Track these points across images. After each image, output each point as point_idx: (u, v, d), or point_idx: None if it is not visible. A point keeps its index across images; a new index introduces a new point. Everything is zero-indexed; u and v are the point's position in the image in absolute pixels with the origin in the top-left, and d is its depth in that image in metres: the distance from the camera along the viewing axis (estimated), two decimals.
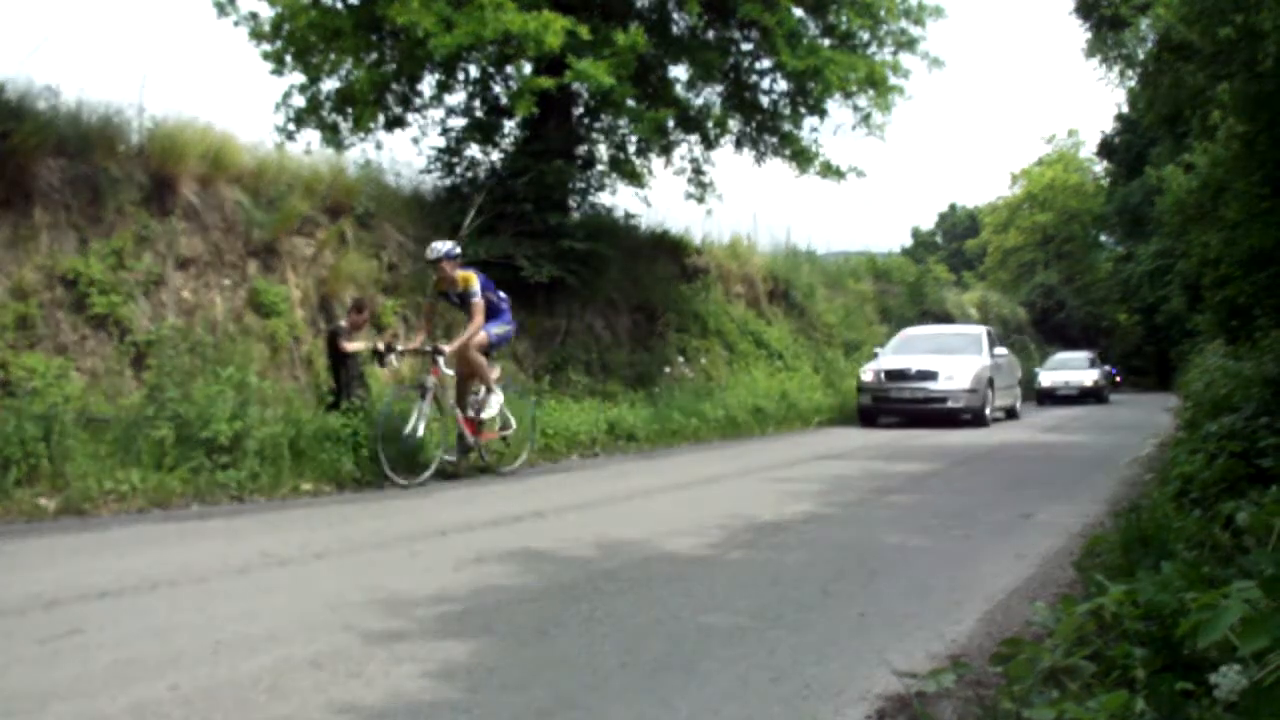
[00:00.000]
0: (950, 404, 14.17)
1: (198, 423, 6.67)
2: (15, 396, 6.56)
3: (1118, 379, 37.85)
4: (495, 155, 12.79)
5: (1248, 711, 1.72)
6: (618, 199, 28.85)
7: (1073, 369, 25.33)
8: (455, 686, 2.71)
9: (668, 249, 15.63)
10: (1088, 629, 2.44)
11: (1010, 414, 16.39)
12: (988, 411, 14.43)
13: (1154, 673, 2.18)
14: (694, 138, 14.31)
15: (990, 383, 14.72)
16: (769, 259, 19.11)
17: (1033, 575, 4.27)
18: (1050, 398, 24.31)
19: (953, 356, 14.82)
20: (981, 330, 16.75)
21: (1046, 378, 25.05)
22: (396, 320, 10.61)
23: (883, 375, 14.51)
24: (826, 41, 13.38)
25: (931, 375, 14.26)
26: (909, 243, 66.06)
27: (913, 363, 14.58)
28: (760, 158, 14.64)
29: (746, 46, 13.78)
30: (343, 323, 8.55)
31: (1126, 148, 37.62)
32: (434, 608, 3.58)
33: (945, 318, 27.47)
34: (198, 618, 3.42)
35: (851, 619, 3.50)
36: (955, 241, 63.79)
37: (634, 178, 13.68)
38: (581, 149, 13.52)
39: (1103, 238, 44.76)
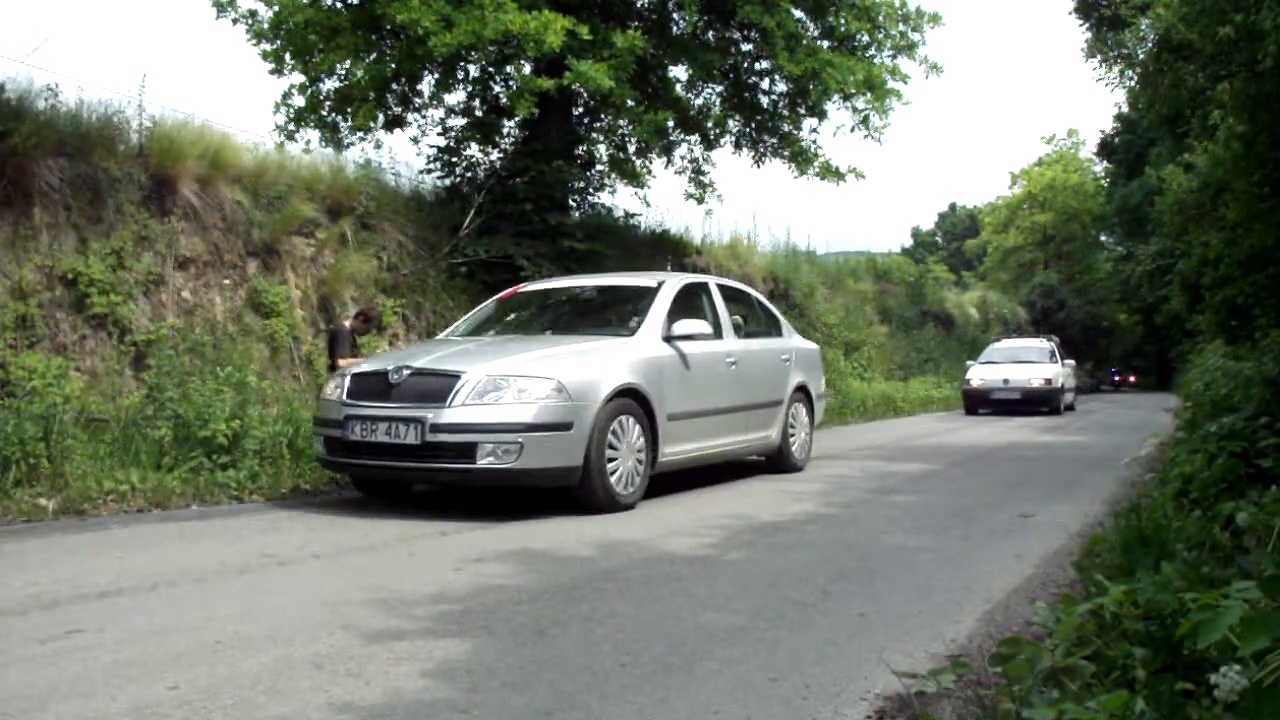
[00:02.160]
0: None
1: (197, 423, 6.68)
2: (15, 396, 6.56)
3: (1117, 379, 37.83)
4: (495, 155, 12.81)
5: (1248, 711, 1.72)
6: (618, 199, 28.94)
7: (1020, 362, 18.43)
8: (455, 686, 2.71)
9: (668, 249, 15.63)
10: (1088, 629, 2.44)
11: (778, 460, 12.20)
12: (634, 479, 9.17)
13: (1154, 673, 2.18)
14: (694, 138, 14.32)
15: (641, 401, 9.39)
16: (769, 259, 19.12)
17: (1033, 575, 4.27)
18: (983, 402, 17.70)
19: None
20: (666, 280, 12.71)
21: (979, 375, 18.15)
22: (396, 320, 10.61)
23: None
24: (825, 44, 13.38)
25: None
26: (909, 243, 66.19)
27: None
28: (760, 158, 14.65)
29: (746, 48, 13.80)
30: (346, 323, 8.53)
31: (1126, 148, 37.66)
32: (433, 608, 3.58)
33: (945, 318, 27.49)
34: (197, 618, 3.42)
35: (851, 619, 3.50)
36: (955, 241, 63.88)
37: (634, 178, 13.69)
38: (581, 149, 13.53)
39: (1103, 238, 44.84)
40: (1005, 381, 17.59)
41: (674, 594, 3.84)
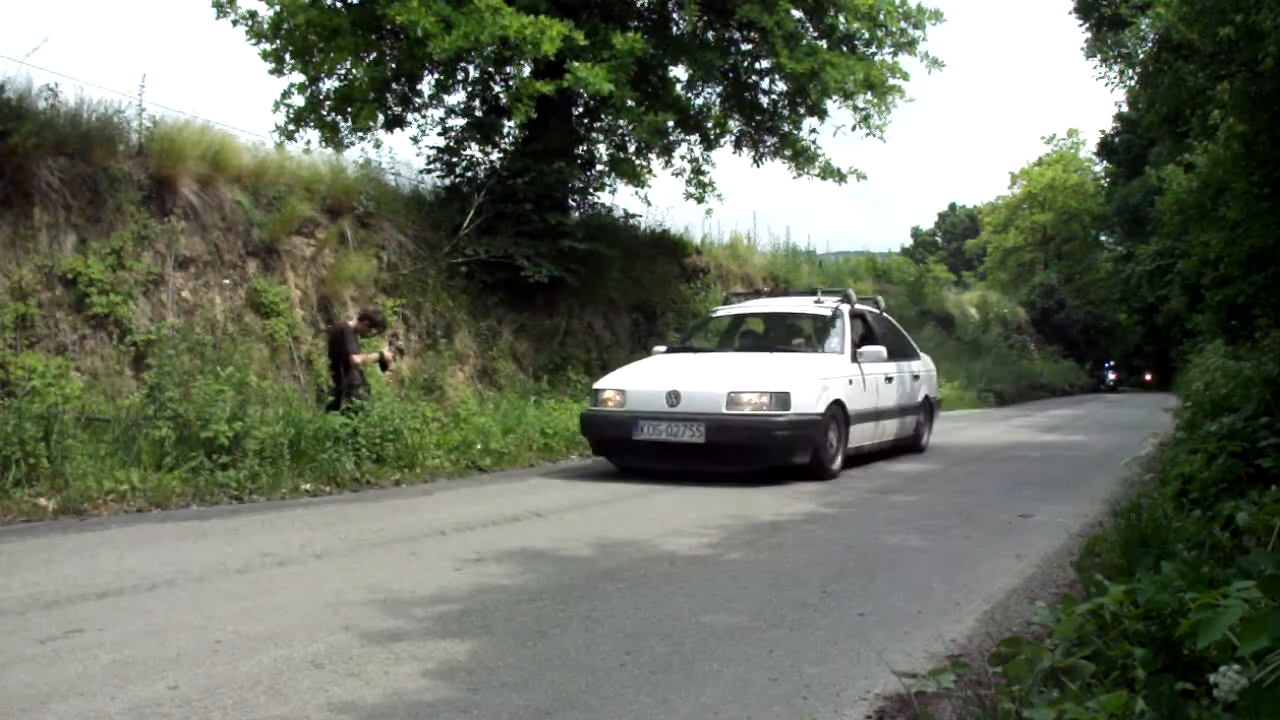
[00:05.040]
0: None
1: (197, 423, 6.68)
2: (15, 396, 6.56)
3: (1114, 378, 37.66)
4: (495, 155, 12.80)
5: (1248, 711, 1.72)
6: (617, 199, 28.95)
7: (751, 349, 9.11)
8: (455, 686, 2.71)
9: (667, 249, 15.63)
10: (1087, 629, 2.44)
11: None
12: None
13: (1154, 673, 2.18)
14: (694, 138, 14.31)
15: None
16: (769, 259, 19.11)
17: (1033, 575, 4.27)
18: (624, 448, 7.78)
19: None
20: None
21: (622, 382, 8.12)
22: (396, 320, 10.61)
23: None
24: (825, 43, 13.37)
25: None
26: (909, 243, 66.12)
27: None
28: (760, 158, 14.64)
29: (746, 47, 13.79)
30: (351, 322, 8.52)
31: (1126, 148, 37.64)
32: (434, 607, 3.58)
33: (945, 318, 27.44)
34: (197, 618, 3.42)
35: (851, 619, 3.50)
36: (955, 241, 63.85)
37: (634, 178, 13.68)
38: (581, 149, 13.53)
39: (1103, 238, 44.80)
40: (672, 401, 7.51)
41: (674, 594, 3.84)
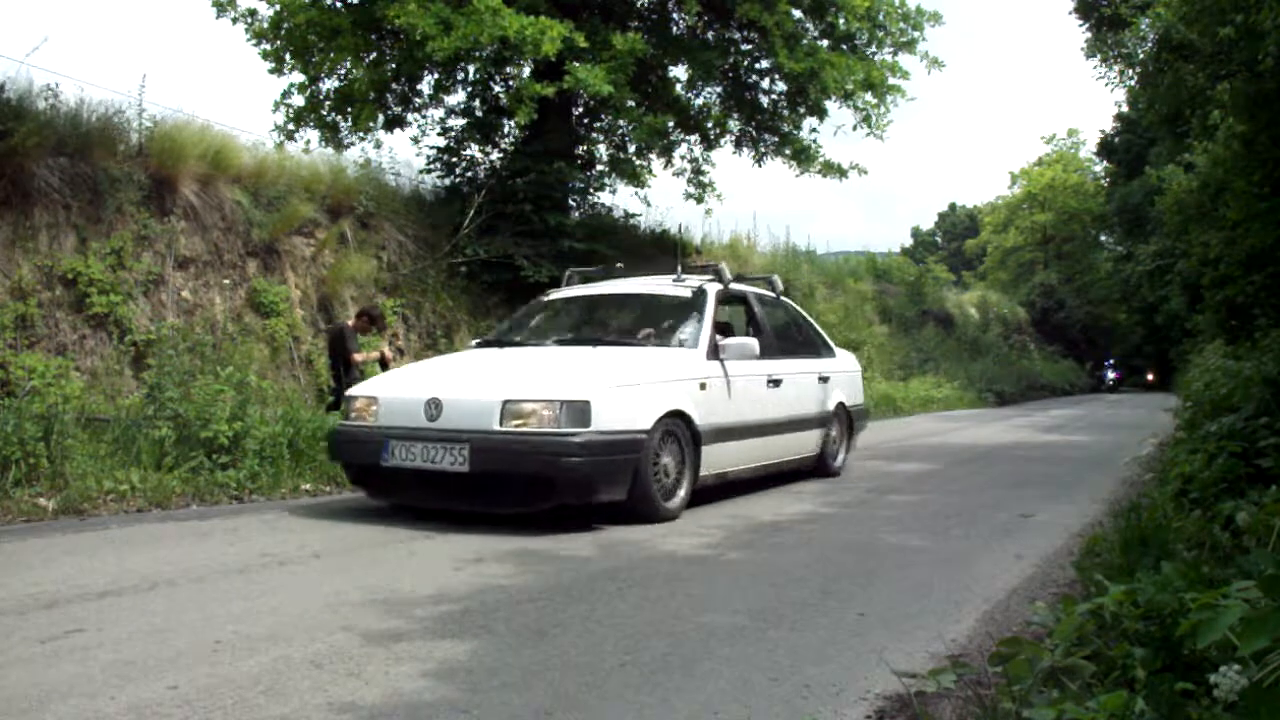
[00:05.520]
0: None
1: (197, 423, 6.68)
2: (15, 396, 6.56)
3: (1114, 377, 37.59)
4: (495, 155, 12.81)
5: (1248, 711, 1.72)
6: (617, 199, 28.95)
7: (559, 340, 6.78)
8: (455, 686, 2.71)
9: (667, 249, 15.61)
10: (1087, 629, 2.44)
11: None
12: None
13: (1154, 673, 2.18)
14: (694, 138, 14.33)
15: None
16: (769, 259, 19.13)
17: (1033, 575, 4.27)
18: (379, 479, 5.71)
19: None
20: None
21: (376, 390, 5.94)
22: (396, 320, 10.61)
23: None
24: (825, 43, 13.38)
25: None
26: (909, 242, 66.16)
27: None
28: (760, 158, 14.66)
29: (746, 47, 13.80)
30: (350, 322, 8.53)
31: (1126, 148, 37.66)
32: (433, 607, 3.58)
33: (945, 318, 27.42)
34: (197, 618, 3.42)
35: (851, 619, 3.50)
36: (955, 241, 63.85)
37: (634, 178, 13.70)
38: (581, 149, 13.53)
39: (1103, 238, 44.81)
40: (432, 414, 5.42)
41: (674, 594, 3.84)
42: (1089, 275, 41.50)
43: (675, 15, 13.23)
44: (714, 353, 6.40)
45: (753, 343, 6.60)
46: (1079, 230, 43.80)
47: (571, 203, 13.06)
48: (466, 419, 5.36)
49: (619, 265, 9.49)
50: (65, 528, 5.26)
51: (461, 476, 5.28)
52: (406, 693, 2.65)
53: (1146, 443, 8.85)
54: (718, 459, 6.23)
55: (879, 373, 20.09)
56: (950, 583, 4.10)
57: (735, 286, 7.42)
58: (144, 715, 2.48)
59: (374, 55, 11.83)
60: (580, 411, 5.26)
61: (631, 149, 13.75)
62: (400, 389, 5.87)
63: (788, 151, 14.25)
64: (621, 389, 5.53)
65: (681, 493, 5.79)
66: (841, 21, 13.40)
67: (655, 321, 6.90)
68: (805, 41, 12.86)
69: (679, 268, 7.49)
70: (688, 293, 6.99)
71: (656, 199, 61.35)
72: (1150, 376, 38.64)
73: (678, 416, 5.78)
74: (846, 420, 8.32)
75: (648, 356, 6.22)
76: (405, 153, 54.45)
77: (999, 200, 48.99)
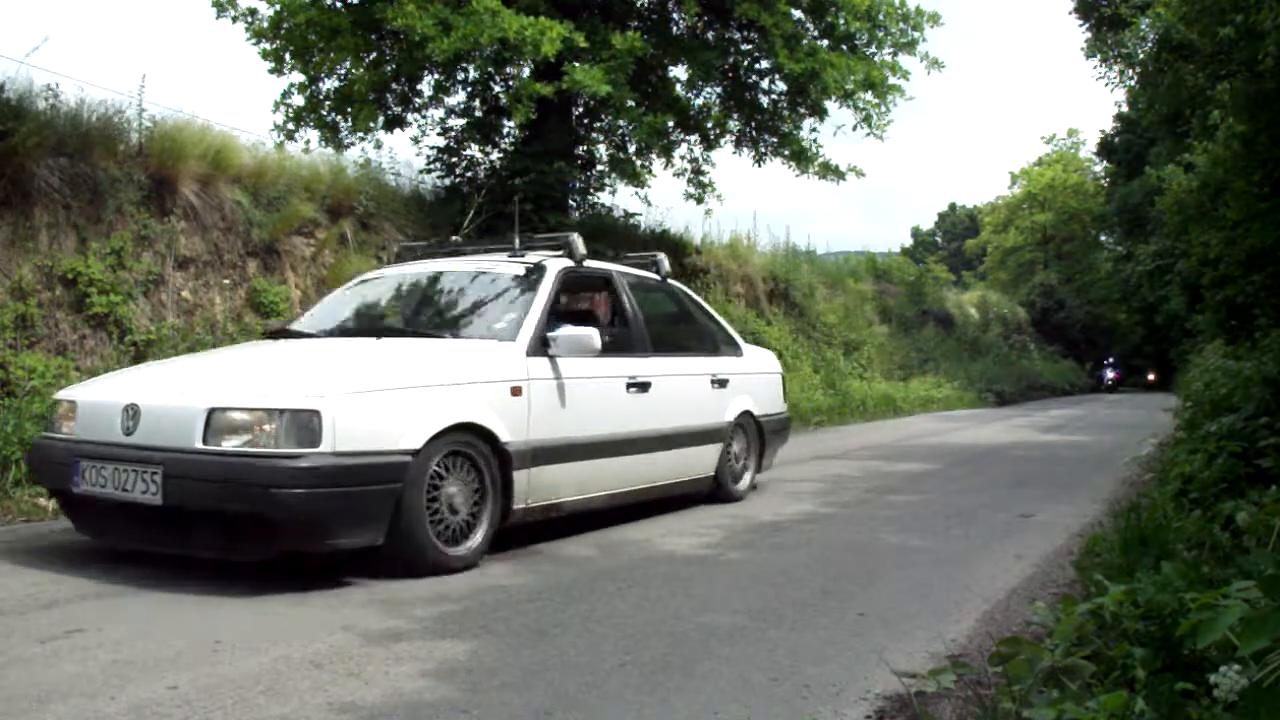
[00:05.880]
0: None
1: None
2: (15, 396, 6.56)
3: (1113, 377, 37.52)
4: (495, 155, 12.81)
5: (1248, 711, 1.72)
6: (618, 199, 28.93)
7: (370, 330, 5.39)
8: (455, 686, 2.71)
9: (667, 249, 15.58)
10: (1087, 629, 2.44)
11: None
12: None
13: (1154, 673, 2.18)
14: (694, 138, 14.31)
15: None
16: (769, 259, 19.11)
17: (1033, 575, 4.28)
18: (82, 509, 4.35)
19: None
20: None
21: (86, 394, 4.58)
22: None
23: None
24: (825, 43, 13.38)
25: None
26: (909, 242, 66.15)
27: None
28: (760, 158, 14.64)
29: (746, 47, 13.80)
30: None
31: (1126, 148, 37.68)
32: (433, 608, 3.58)
33: (945, 318, 27.41)
34: (197, 617, 3.42)
35: (851, 619, 3.50)
36: (955, 241, 63.86)
37: (634, 178, 13.68)
38: (581, 149, 13.53)
39: (1103, 238, 44.82)
40: (129, 424, 4.09)
41: (674, 594, 3.84)
42: (1089, 275, 41.50)
43: (675, 15, 13.22)
44: (541, 347, 4.90)
45: (591, 333, 5.02)
46: (1079, 230, 43.80)
47: (571, 203, 13.06)
48: (164, 432, 3.99)
49: (455, 238, 8.16)
50: (65, 527, 5.26)
51: (153, 511, 3.93)
52: (406, 693, 2.65)
53: (1146, 443, 8.84)
54: (547, 486, 4.78)
55: (879, 373, 20.09)
56: (950, 583, 4.10)
57: (594, 264, 5.80)
58: (144, 715, 2.48)
59: (374, 55, 11.82)
60: (305, 425, 3.84)
61: (631, 149, 13.74)
62: (103, 390, 4.50)
63: (787, 152, 14.24)
64: (371, 395, 4.09)
65: (479, 534, 4.34)
66: (841, 22, 13.39)
67: (476, 306, 5.41)
68: (805, 42, 12.85)
69: (516, 241, 5.84)
70: (521, 269, 5.46)
71: (656, 199, 61.30)
72: (1150, 376, 38.60)
73: (472, 431, 4.35)
74: (756, 432, 6.72)
75: (430, 351, 4.79)
76: (405, 153, 54.46)
77: (999, 200, 48.97)
